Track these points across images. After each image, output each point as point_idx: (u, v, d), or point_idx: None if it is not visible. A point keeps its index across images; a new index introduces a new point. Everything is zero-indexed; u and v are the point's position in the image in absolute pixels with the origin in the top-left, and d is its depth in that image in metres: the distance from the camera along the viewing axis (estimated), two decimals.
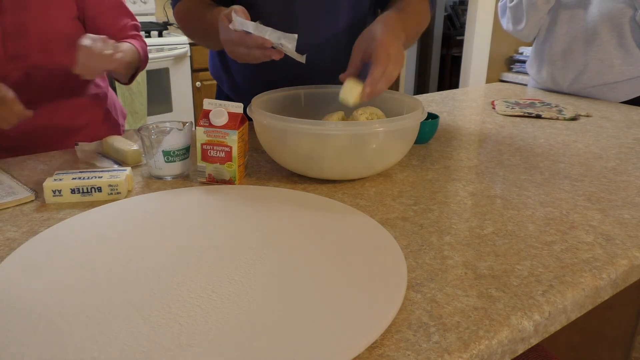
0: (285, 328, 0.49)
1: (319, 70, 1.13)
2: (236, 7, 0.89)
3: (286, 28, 0.94)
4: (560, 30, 1.58)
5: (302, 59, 0.89)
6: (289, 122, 0.80)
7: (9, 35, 1.09)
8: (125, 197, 0.81)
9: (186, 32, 1.15)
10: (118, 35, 1.22)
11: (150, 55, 2.80)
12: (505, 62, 3.52)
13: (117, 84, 2.69)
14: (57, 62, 1.13)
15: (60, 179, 0.79)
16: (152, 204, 0.77)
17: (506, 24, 1.69)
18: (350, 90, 0.86)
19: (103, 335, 0.48)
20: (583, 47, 1.54)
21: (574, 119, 1.33)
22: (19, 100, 0.97)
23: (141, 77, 2.77)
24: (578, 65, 1.56)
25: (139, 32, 1.31)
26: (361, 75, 0.91)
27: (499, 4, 1.71)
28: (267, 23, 0.90)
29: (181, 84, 2.98)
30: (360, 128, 0.80)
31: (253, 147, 1.05)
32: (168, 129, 0.89)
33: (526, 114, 1.35)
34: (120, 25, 1.25)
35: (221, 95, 1.32)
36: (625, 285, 0.65)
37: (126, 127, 2.93)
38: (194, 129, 1.14)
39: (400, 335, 0.50)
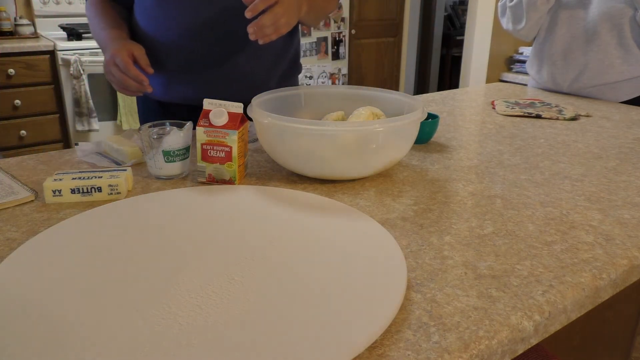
0: (285, 328, 0.49)
1: (236, 33, 1.12)
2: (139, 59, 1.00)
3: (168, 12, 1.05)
4: (560, 30, 1.58)
5: None
6: (289, 122, 0.80)
7: None
8: (125, 197, 0.81)
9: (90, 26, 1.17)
10: None
11: None
12: (505, 62, 3.52)
13: None
14: None
15: (60, 179, 0.79)
16: (152, 204, 0.77)
17: (506, 23, 1.69)
18: (360, 117, 0.92)
19: (103, 335, 0.48)
20: (583, 47, 1.54)
21: (574, 119, 1.33)
22: None
23: None
24: (578, 65, 1.56)
25: None
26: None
27: (499, 3, 1.71)
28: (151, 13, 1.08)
29: None
30: (360, 128, 0.80)
31: (253, 147, 1.05)
32: (168, 129, 0.89)
33: (526, 114, 1.35)
34: None
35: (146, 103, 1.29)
36: (625, 285, 0.65)
37: (126, 127, 2.94)
38: (194, 129, 1.14)
39: (400, 335, 0.50)
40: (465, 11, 4.53)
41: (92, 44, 2.69)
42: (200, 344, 0.47)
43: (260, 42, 0.93)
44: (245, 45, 1.14)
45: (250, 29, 0.90)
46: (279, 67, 1.22)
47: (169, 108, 1.22)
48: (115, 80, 0.99)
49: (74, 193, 0.79)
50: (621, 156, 1.04)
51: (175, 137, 0.86)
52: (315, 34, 3.75)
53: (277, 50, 1.20)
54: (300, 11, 0.99)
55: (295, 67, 1.29)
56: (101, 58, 2.67)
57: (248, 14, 0.89)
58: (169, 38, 1.11)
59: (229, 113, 0.83)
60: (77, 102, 2.66)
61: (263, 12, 0.91)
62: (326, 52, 3.86)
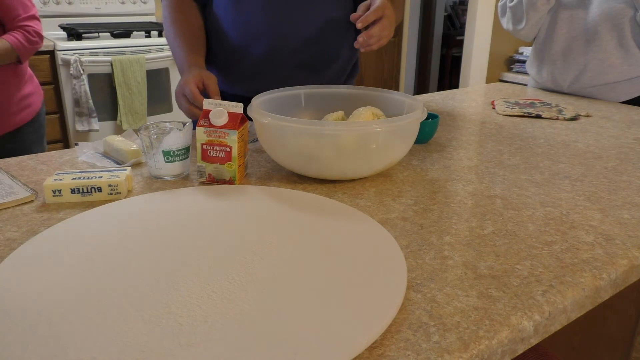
0: (285, 328, 0.49)
1: (326, 46, 1.17)
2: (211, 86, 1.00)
3: (270, 21, 1.09)
4: (561, 30, 1.58)
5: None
6: (289, 122, 0.80)
7: None
8: (125, 197, 0.81)
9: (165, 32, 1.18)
10: (10, 24, 1.62)
11: (150, 55, 2.81)
12: (505, 62, 3.52)
13: (116, 83, 2.69)
14: None
15: (60, 179, 0.79)
16: (152, 204, 0.77)
17: (506, 23, 1.69)
18: (360, 117, 0.91)
19: (103, 335, 0.48)
20: (583, 47, 1.54)
21: (574, 119, 1.33)
22: None
23: (141, 77, 2.77)
24: (578, 65, 1.56)
25: (31, 22, 1.68)
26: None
27: (499, 3, 1.71)
28: (251, 18, 1.10)
29: None
30: (360, 128, 0.80)
31: (253, 147, 1.05)
32: (168, 129, 0.89)
33: (526, 114, 1.35)
34: (13, 14, 1.62)
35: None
36: (625, 285, 0.65)
37: (126, 127, 2.93)
38: (194, 129, 1.14)
39: (400, 335, 0.50)
40: (465, 11, 4.53)
41: (92, 44, 2.69)
42: (200, 344, 0.47)
43: (363, 50, 0.99)
44: (326, 54, 1.19)
45: (360, 38, 0.96)
46: (345, 70, 1.29)
47: (226, 98, 1.24)
48: (183, 108, 1.02)
49: (74, 193, 0.79)
50: (621, 156, 1.04)
51: (175, 137, 0.86)
52: None
53: (347, 55, 1.26)
54: None
55: (355, 69, 1.36)
56: (101, 58, 2.67)
57: (359, 25, 0.95)
58: (260, 49, 1.14)
59: (229, 113, 0.84)
60: (77, 102, 2.66)
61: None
62: None
